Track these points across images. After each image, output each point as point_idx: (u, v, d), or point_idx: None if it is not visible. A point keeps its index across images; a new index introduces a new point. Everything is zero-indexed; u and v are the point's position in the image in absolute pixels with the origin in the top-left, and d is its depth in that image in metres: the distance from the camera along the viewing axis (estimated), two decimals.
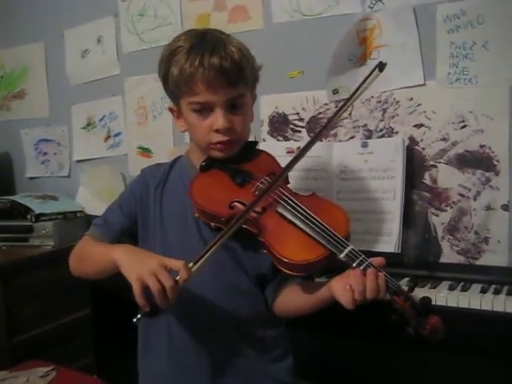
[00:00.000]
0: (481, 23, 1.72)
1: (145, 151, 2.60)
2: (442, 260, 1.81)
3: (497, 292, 1.52)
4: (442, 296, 1.53)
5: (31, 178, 3.07)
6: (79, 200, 2.81)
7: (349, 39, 1.95)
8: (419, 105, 1.85)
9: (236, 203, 1.18)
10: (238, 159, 1.27)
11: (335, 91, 2.01)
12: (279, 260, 1.09)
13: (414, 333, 1.03)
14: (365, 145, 1.85)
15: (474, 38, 1.74)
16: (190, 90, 1.18)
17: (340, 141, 2.00)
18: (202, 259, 1.07)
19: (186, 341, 1.25)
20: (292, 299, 1.23)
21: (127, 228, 1.31)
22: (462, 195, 1.79)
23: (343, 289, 1.03)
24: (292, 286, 1.23)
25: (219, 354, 1.24)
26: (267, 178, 1.22)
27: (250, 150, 1.31)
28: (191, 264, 1.05)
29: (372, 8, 1.92)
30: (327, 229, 1.09)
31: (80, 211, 2.72)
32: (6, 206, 2.63)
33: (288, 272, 1.10)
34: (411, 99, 1.86)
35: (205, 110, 1.19)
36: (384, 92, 1.92)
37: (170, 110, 1.32)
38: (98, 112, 2.74)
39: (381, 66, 1.23)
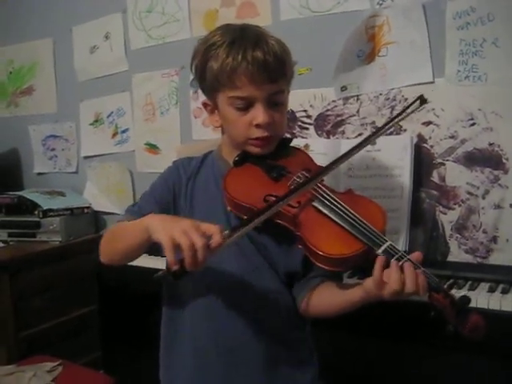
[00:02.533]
0: (491, 20, 1.71)
1: (152, 148, 2.61)
2: (450, 259, 1.80)
3: (505, 291, 1.51)
4: None
5: (39, 174, 3.08)
6: (86, 196, 2.83)
7: (357, 36, 1.94)
8: (428, 102, 1.84)
9: (271, 197, 1.16)
10: (272, 155, 1.25)
11: (343, 88, 2.01)
12: (315, 254, 1.08)
13: (454, 331, 1.00)
14: (373, 142, 1.84)
15: (484, 35, 1.72)
16: (231, 83, 1.16)
17: (348, 138, 2.00)
18: (240, 230, 1.05)
19: (209, 340, 1.23)
20: (322, 299, 1.20)
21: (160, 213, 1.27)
22: (470, 193, 1.78)
23: (381, 283, 1.00)
24: (322, 285, 1.21)
25: (241, 354, 1.22)
26: (304, 173, 1.21)
27: (284, 146, 1.30)
28: (227, 232, 1.03)
29: (381, 4, 1.91)
30: (365, 224, 1.07)
31: (87, 207, 2.73)
32: (13, 201, 2.64)
33: (323, 267, 1.08)
34: None
35: (245, 104, 1.18)
36: (392, 89, 1.91)
37: (204, 104, 1.29)
38: (106, 108, 2.75)
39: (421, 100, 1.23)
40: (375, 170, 1.80)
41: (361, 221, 1.08)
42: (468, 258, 1.77)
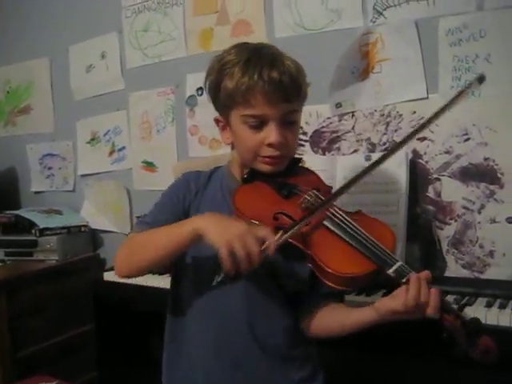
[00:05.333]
0: (483, 36, 1.72)
1: (149, 165, 2.61)
2: (447, 274, 1.80)
3: (502, 306, 1.50)
4: None
5: (36, 193, 3.08)
6: (84, 214, 2.82)
7: (351, 53, 1.96)
8: (422, 118, 1.85)
9: (280, 215, 1.16)
10: (282, 173, 1.26)
11: (338, 105, 2.02)
12: (326, 273, 1.07)
13: (464, 354, 0.99)
14: (368, 158, 1.85)
15: (477, 51, 1.74)
16: (246, 102, 1.16)
17: (344, 154, 2.01)
18: (289, 232, 1.07)
19: (213, 356, 1.22)
20: (328, 320, 1.20)
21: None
22: (466, 208, 1.78)
23: (398, 304, 1.01)
24: (326, 306, 1.22)
25: (245, 371, 1.21)
26: (315, 192, 1.21)
27: (294, 165, 1.30)
28: (278, 235, 1.06)
29: (374, 22, 1.93)
30: (376, 243, 1.08)
31: (84, 225, 2.73)
32: (10, 220, 2.64)
33: (333, 285, 1.08)
34: (414, 112, 1.87)
35: (258, 123, 1.18)
36: (387, 105, 1.92)
37: (216, 120, 1.30)
38: (103, 127, 2.76)
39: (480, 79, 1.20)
40: (371, 185, 1.81)
41: (372, 240, 1.09)
42: (465, 273, 1.77)
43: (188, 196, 1.29)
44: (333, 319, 1.20)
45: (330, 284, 1.08)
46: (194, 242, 1.10)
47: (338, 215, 1.16)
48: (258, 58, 1.17)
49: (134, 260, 1.20)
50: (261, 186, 1.24)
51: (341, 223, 1.14)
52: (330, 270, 1.07)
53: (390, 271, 1.04)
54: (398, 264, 1.04)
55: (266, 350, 1.21)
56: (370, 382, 1.78)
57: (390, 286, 1.06)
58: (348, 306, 1.20)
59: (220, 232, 1.04)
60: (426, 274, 1.04)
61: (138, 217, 2.56)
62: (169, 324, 1.31)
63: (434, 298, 1.00)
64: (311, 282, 1.19)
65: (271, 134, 1.17)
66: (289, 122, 1.20)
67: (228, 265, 1.01)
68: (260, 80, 1.14)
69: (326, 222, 1.14)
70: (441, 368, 1.53)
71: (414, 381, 1.76)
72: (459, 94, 1.19)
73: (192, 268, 1.23)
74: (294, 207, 1.17)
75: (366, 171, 1.17)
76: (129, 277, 1.24)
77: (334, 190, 1.27)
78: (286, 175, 1.26)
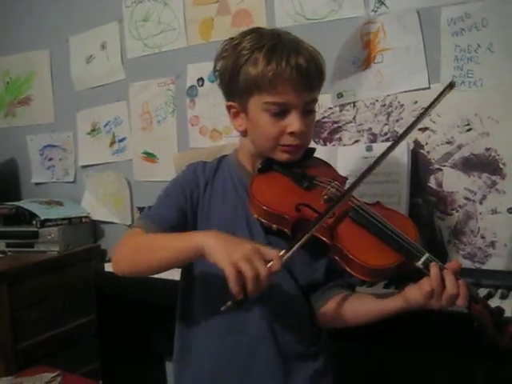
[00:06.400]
0: (485, 26, 1.71)
1: (149, 156, 2.60)
2: None
3: (504, 297, 1.51)
4: None
5: (37, 184, 3.07)
6: (84, 205, 2.82)
7: (353, 43, 1.95)
8: (424, 108, 1.84)
9: (303, 206, 1.14)
10: (297, 163, 1.23)
11: (339, 95, 2.01)
12: (355, 264, 1.06)
13: (493, 341, 1.01)
14: (369, 149, 1.84)
15: (479, 41, 1.73)
16: (272, 88, 1.14)
17: (345, 145, 2.00)
18: (292, 250, 1.03)
19: (223, 353, 1.21)
20: (353, 308, 1.17)
21: (179, 222, 1.22)
22: (467, 199, 1.78)
23: (424, 292, 1.00)
24: (350, 295, 1.19)
25: (255, 367, 1.20)
26: (337, 183, 1.19)
27: (308, 155, 1.28)
28: (282, 253, 1.02)
29: (376, 11, 1.92)
30: (402, 235, 1.07)
31: (85, 217, 2.73)
32: (11, 211, 2.64)
33: (361, 277, 1.07)
34: (416, 102, 1.86)
35: (281, 110, 1.16)
36: (388, 95, 1.91)
37: (229, 107, 1.25)
38: (103, 117, 2.75)
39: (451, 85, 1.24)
40: (372, 176, 1.78)
41: (398, 232, 1.08)
42: (466, 264, 1.77)
43: (196, 189, 1.25)
44: (359, 307, 1.17)
45: (358, 275, 1.07)
46: (196, 258, 1.08)
47: (362, 207, 1.14)
48: (282, 45, 1.15)
49: (132, 261, 1.17)
50: (278, 177, 1.22)
51: (366, 215, 1.12)
52: (360, 262, 1.05)
53: (419, 263, 1.04)
54: (426, 255, 1.04)
55: (276, 345, 1.19)
56: (379, 376, 1.79)
57: (416, 277, 1.05)
58: (376, 295, 1.18)
59: (226, 252, 0.99)
60: (454, 265, 1.04)
61: (139, 208, 2.57)
62: (178, 324, 1.29)
63: (463, 288, 0.99)
64: (327, 273, 1.18)
65: (294, 122, 1.15)
66: (309, 111, 1.19)
67: (236, 287, 0.96)
68: (288, 67, 1.12)
69: (351, 214, 1.13)
70: (457, 363, 1.54)
71: (427, 374, 1.76)
72: (432, 103, 1.25)
73: (201, 285, 1.22)
74: (317, 199, 1.16)
75: (383, 156, 1.20)
76: (125, 275, 1.19)
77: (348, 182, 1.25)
78: (302, 166, 1.24)
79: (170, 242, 1.12)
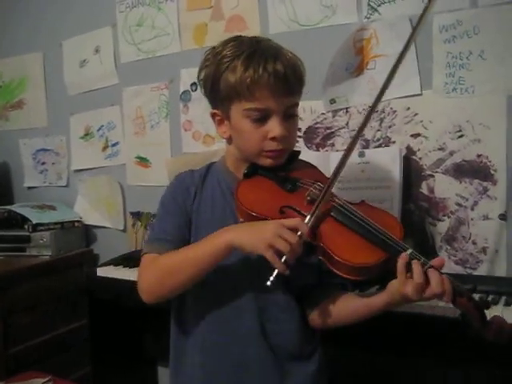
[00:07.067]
0: (477, 33, 1.72)
1: (142, 161, 2.60)
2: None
3: (495, 302, 1.51)
4: (440, 307, 1.52)
5: (29, 188, 3.06)
6: (77, 210, 2.81)
7: (345, 49, 1.96)
8: (416, 114, 1.85)
9: (287, 208, 1.16)
10: (282, 167, 1.25)
11: (332, 101, 2.02)
12: (339, 263, 1.08)
13: (479, 334, 1.02)
14: (362, 154, 1.85)
15: (471, 48, 1.74)
16: (250, 95, 1.15)
17: (337, 150, 2.01)
18: (314, 214, 1.10)
19: (218, 354, 1.22)
20: (339, 308, 1.20)
21: (185, 234, 1.25)
22: (459, 205, 1.79)
23: (406, 285, 1.02)
24: (339, 296, 1.21)
25: (250, 368, 1.21)
26: (320, 184, 1.20)
27: (293, 158, 1.29)
28: (307, 219, 1.09)
29: (369, 18, 1.93)
30: (385, 232, 1.09)
31: (78, 221, 2.72)
32: (3, 215, 2.62)
33: (345, 276, 1.08)
34: (408, 109, 1.87)
35: (261, 116, 1.17)
36: (381, 102, 1.91)
37: (213, 114, 1.27)
38: (96, 122, 2.75)
39: None
40: (364, 182, 1.81)
41: (381, 229, 1.09)
42: (458, 269, 1.78)
43: (188, 199, 1.27)
44: (347, 306, 1.19)
45: (343, 275, 1.08)
46: (228, 255, 1.11)
47: (344, 206, 1.16)
48: (261, 51, 1.17)
49: (167, 283, 1.17)
50: (263, 181, 1.24)
51: (348, 213, 1.14)
52: (343, 261, 1.07)
53: None
54: (410, 251, 1.05)
55: (270, 347, 1.21)
56: (371, 379, 1.79)
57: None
58: (362, 293, 1.21)
59: (257, 238, 1.05)
60: (438, 261, 1.06)
61: (132, 213, 2.56)
62: (173, 323, 1.30)
63: (447, 283, 1.00)
64: (318, 275, 1.20)
65: (275, 127, 1.17)
66: (290, 116, 1.20)
67: (281, 265, 1.02)
68: (265, 73, 1.14)
69: (333, 214, 1.15)
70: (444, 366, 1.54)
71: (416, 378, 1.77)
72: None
73: (194, 289, 1.21)
74: (300, 200, 1.17)
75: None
76: (160, 300, 1.20)
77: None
78: (286, 169, 1.25)
79: (197, 253, 1.14)
